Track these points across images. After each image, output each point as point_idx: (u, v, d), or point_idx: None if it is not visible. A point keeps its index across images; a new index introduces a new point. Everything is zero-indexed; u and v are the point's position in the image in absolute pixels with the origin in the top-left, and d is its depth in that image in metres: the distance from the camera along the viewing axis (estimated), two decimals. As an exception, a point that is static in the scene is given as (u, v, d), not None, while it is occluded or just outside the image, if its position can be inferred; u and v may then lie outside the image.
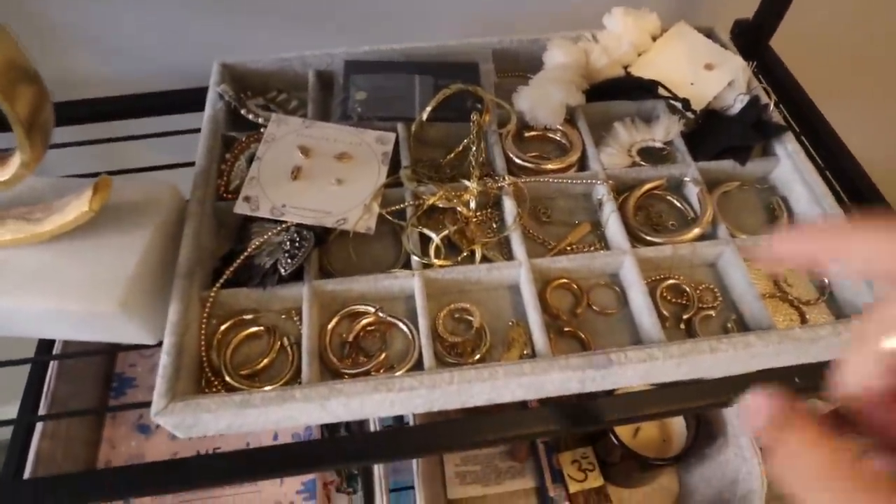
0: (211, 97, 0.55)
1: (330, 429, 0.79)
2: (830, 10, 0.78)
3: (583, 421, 0.45)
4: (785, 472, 0.21)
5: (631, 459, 0.77)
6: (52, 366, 0.66)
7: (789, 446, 0.21)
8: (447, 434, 0.45)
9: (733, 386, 0.44)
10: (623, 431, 0.78)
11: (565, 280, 0.46)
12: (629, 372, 0.40)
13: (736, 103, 0.54)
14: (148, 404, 0.38)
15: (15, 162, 0.36)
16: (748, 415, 0.23)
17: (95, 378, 0.75)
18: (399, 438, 0.46)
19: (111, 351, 0.77)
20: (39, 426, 0.62)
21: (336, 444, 0.47)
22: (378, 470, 0.70)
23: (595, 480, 0.82)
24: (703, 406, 0.46)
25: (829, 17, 0.79)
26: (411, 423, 0.70)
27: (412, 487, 0.72)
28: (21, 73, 0.32)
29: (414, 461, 0.71)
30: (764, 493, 0.69)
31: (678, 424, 0.79)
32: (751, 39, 0.67)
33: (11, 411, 0.55)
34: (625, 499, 0.85)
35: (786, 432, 0.22)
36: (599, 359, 0.39)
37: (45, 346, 0.67)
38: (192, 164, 0.51)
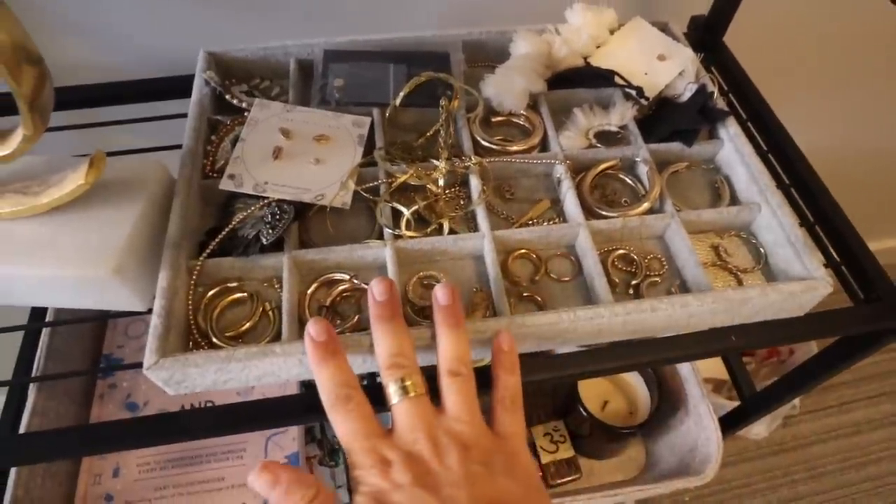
0: (197, 83, 0.58)
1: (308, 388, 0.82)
2: (781, 9, 0.83)
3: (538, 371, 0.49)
4: None
5: (600, 430, 0.82)
6: (41, 345, 0.69)
7: None
8: None
9: (676, 345, 0.49)
10: (592, 405, 0.83)
11: (525, 250, 0.51)
12: (579, 330, 0.44)
13: (685, 91, 0.58)
14: (140, 365, 0.42)
15: (17, 137, 0.39)
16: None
17: (83, 358, 0.78)
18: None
19: (102, 318, 0.79)
20: (29, 404, 0.65)
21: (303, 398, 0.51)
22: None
23: (566, 451, 0.86)
24: (649, 362, 0.50)
25: (780, 14, 0.84)
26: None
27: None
28: (26, 55, 0.35)
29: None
30: (719, 456, 0.74)
31: (643, 397, 0.84)
32: (706, 35, 0.71)
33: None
34: (596, 469, 0.89)
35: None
36: (550, 317, 0.43)
37: (38, 316, 0.70)
38: (179, 146, 0.55)
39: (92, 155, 0.44)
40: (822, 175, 0.59)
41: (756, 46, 0.75)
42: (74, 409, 0.75)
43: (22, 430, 0.63)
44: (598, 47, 0.63)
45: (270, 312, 0.48)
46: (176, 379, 0.42)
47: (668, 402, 0.83)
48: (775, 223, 0.50)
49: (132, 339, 0.82)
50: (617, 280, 0.49)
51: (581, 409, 0.81)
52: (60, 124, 0.63)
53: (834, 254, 0.55)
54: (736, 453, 1.35)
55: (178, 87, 0.63)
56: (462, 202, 0.54)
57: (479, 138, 0.57)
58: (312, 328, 0.39)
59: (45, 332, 0.70)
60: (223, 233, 0.49)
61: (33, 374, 0.67)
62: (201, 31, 0.69)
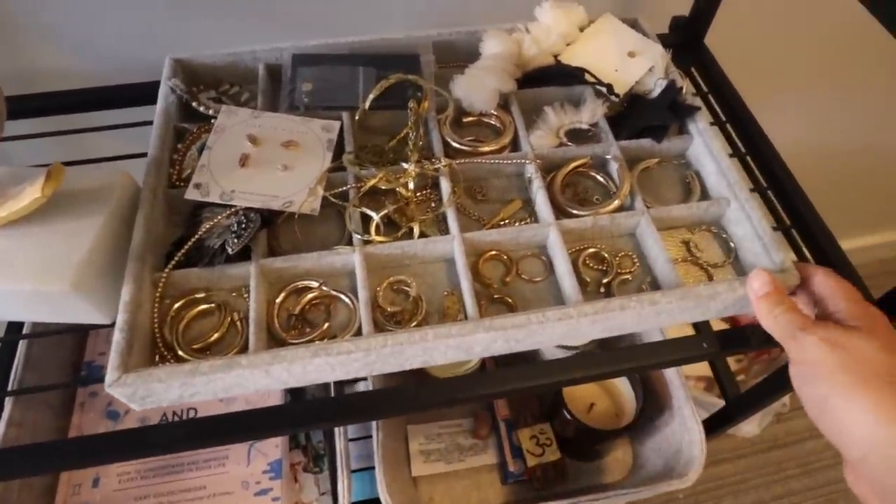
0: (163, 91, 0.58)
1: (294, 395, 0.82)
2: (762, 10, 0.83)
3: (524, 380, 0.49)
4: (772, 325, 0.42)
5: (586, 433, 0.81)
6: (19, 354, 0.68)
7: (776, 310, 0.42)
8: (395, 398, 0.48)
9: (654, 352, 0.49)
10: (577, 408, 0.82)
11: (496, 252, 0.50)
12: (548, 331, 0.44)
13: (656, 87, 0.58)
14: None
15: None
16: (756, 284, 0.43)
17: (64, 366, 0.77)
18: (342, 402, 0.50)
19: (76, 330, 0.78)
20: (5, 415, 0.64)
21: (286, 410, 0.51)
22: (339, 444, 0.73)
23: (552, 454, 0.86)
24: (639, 367, 0.50)
25: (760, 15, 0.84)
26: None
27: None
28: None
29: (374, 437, 0.75)
30: (703, 458, 0.73)
31: (629, 399, 0.84)
32: (686, 35, 0.71)
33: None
34: (583, 471, 0.89)
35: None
36: (519, 319, 0.43)
37: (15, 329, 0.69)
38: (146, 154, 0.54)
39: (49, 167, 0.43)
40: (800, 173, 0.58)
41: (736, 47, 0.75)
42: (53, 419, 0.74)
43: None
44: (568, 45, 0.62)
45: (238, 323, 0.47)
46: (140, 394, 0.42)
47: (653, 403, 0.82)
48: (744, 217, 0.50)
49: (112, 350, 0.81)
50: (588, 279, 0.49)
51: (566, 413, 0.80)
52: (25, 133, 0.62)
53: (809, 257, 0.55)
54: (730, 449, 1.35)
55: (146, 93, 0.63)
56: (433, 205, 0.54)
57: (449, 140, 0.56)
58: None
59: (22, 341, 0.69)
60: (189, 243, 0.48)
61: (11, 386, 0.66)
62: (170, 34, 0.69)
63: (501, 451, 0.87)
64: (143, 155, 0.58)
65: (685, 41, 0.71)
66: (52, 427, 0.73)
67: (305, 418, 0.48)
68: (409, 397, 0.49)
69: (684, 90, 0.57)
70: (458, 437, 0.90)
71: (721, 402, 0.86)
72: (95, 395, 0.78)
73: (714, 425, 0.79)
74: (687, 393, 0.74)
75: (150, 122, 0.59)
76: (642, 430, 0.86)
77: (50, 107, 0.64)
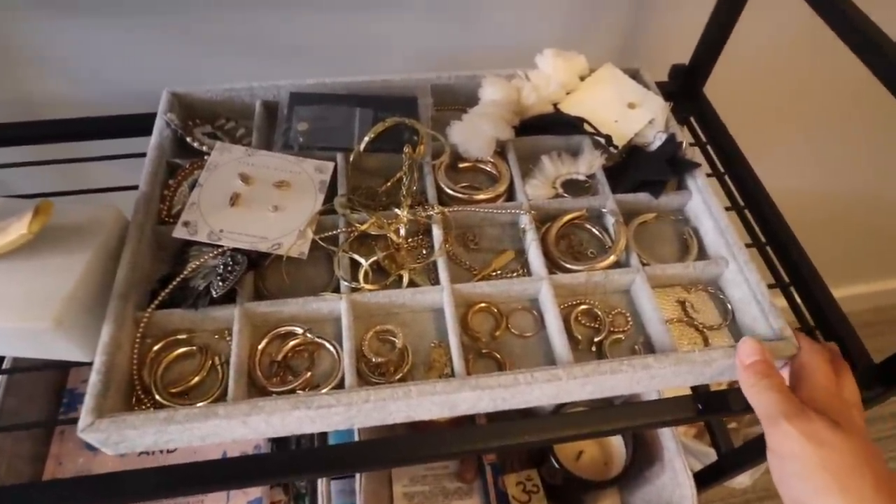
0: (158, 125, 0.57)
1: (279, 445, 0.80)
2: (760, 60, 0.84)
3: (508, 437, 0.48)
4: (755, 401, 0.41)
5: (573, 482, 0.79)
6: (1, 381, 0.67)
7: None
8: (382, 451, 0.47)
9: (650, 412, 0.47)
10: (566, 455, 0.81)
11: (486, 304, 0.49)
12: (537, 391, 0.43)
13: (655, 140, 0.58)
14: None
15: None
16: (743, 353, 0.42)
17: (46, 393, 0.76)
18: (327, 454, 0.49)
19: (62, 367, 0.77)
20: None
21: (266, 459, 0.49)
22: (321, 485, 0.71)
23: (539, 502, 0.84)
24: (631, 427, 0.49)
25: (759, 64, 0.85)
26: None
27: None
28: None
29: (357, 481, 0.73)
30: (695, 513, 0.71)
31: (618, 448, 0.82)
32: (686, 84, 0.71)
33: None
34: (570, 520, 0.86)
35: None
36: (506, 379, 0.42)
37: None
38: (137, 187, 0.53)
39: (37, 204, 0.42)
40: (798, 222, 0.58)
41: (735, 95, 0.75)
42: (32, 446, 0.72)
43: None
44: (568, 93, 0.62)
45: (219, 367, 0.46)
46: (113, 440, 0.40)
47: (644, 454, 0.81)
48: (742, 279, 0.49)
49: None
50: (580, 336, 0.48)
51: (554, 461, 0.78)
52: (20, 160, 0.62)
53: (808, 315, 0.54)
54: (721, 499, 1.33)
55: (142, 124, 0.62)
56: (425, 252, 0.53)
57: (443, 186, 0.55)
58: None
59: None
60: (173, 283, 0.47)
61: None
62: (168, 66, 0.69)
63: (487, 496, 0.85)
64: (135, 187, 0.58)
65: (684, 90, 0.71)
66: (29, 455, 0.71)
67: (290, 468, 0.47)
68: (397, 450, 0.48)
69: (684, 145, 0.56)
70: (443, 480, 0.88)
71: (713, 451, 0.84)
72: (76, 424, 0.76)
73: (706, 479, 0.77)
74: (678, 445, 0.73)
75: (144, 154, 0.58)
76: (632, 482, 0.84)
77: (45, 135, 0.63)
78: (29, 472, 0.71)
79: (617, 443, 0.80)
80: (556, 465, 0.77)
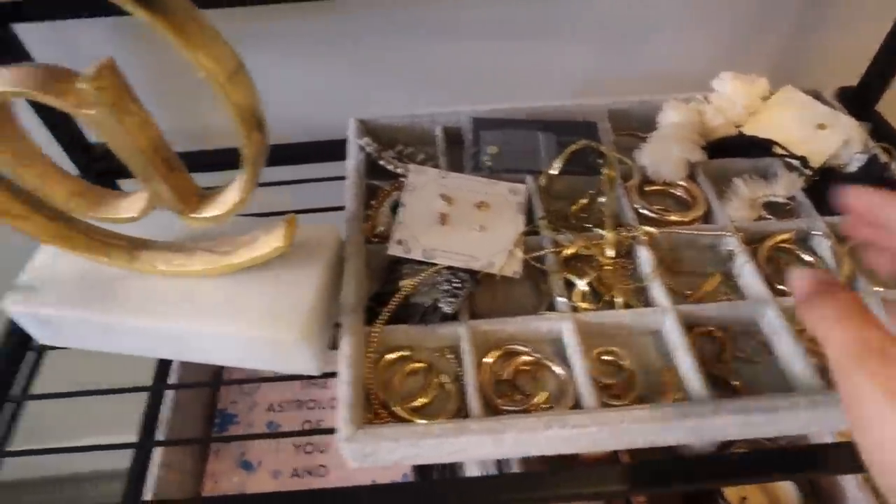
0: (352, 149, 0.59)
1: (421, 473, 0.79)
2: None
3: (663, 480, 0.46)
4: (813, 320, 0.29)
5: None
6: (166, 399, 0.69)
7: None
8: (538, 484, 0.45)
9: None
10: (728, 498, 0.77)
11: (710, 328, 0.48)
12: (791, 419, 0.41)
13: (852, 161, 0.56)
14: (246, 437, 0.40)
15: (230, 199, 0.39)
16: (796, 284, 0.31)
17: (202, 412, 0.78)
18: (493, 485, 0.47)
19: (212, 385, 0.79)
20: (158, 458, 0.64)
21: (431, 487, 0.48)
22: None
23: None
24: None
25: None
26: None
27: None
28: (257, 120, 0.35)
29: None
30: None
31: (789, 495, 0.77)
32: (856, 105, 0.69)
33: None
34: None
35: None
36: (764, 404, 0.40)
37: (160, 376, 0.69)
38: (335, 208, 0.55)
39: (286, 218, 0.43)
40: None
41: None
42: (193, 464, 0.74)
43: (150, 478, 0.62)
44: (750, 115, 0.62)
45: (446, 385, 0.46)
46: (365, 451, 0.40)
47: (818, 500, 0.75)
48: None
49: (246, 396, 0.81)
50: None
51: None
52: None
53: None
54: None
55: (324, 150, 0.64)
56: (630, 273, 0.52)
57: (638, 207, 0.55)
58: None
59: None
60: (395, 299, 0.48)
61: (158, 426, 0.66)
62: (344, 98, 0.71)
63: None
64: (325, 209, 0.60)
65: (853, 112, 0.69)
66: (194, 470, 0.72)
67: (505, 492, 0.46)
68: (550, 485, 0.45)
69: (892, 166, 0.55)
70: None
71: None
72: (228, 443, 0.77)
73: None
74: (869, 496, 0.67)
75: (328, 179, 0.60)
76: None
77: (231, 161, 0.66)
78: (191, 488, 0.72)
79: (787, 488, 0.76)
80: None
